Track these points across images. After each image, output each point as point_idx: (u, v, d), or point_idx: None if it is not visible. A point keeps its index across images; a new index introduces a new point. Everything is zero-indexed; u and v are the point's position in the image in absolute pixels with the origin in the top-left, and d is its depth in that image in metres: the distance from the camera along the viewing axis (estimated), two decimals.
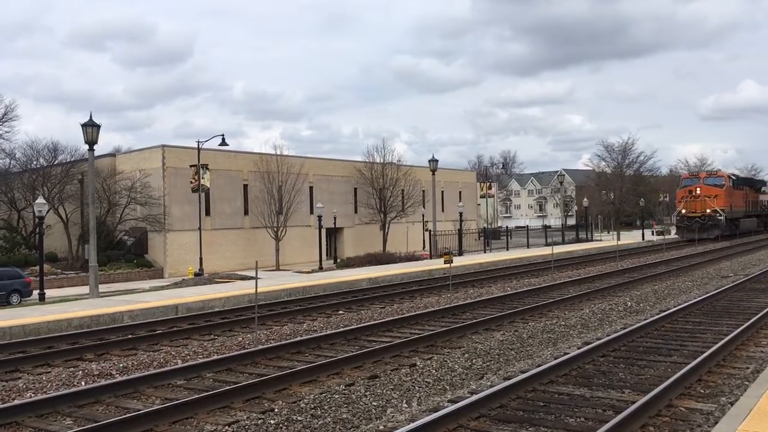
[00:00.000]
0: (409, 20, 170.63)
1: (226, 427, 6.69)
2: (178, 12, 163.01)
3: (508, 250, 40.76)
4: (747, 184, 54.04)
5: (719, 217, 43.50)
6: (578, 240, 52.19)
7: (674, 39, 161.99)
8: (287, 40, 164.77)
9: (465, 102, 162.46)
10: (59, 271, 40.54)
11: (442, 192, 62.52)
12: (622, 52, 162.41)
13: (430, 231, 38.62)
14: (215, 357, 9.82)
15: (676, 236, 46.47)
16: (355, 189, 56.25)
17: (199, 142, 40.71)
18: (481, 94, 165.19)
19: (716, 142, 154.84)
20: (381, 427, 6.65)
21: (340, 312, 14.17)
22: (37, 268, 32.42)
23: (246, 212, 48.46)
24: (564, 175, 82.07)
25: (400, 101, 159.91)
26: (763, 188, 58.17)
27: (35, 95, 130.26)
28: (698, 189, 44.69)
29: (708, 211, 43.53)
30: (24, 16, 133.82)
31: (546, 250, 30.59)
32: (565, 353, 9.69)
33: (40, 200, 31.52)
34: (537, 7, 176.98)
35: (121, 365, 9.55)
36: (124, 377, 8.69)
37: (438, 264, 24.92)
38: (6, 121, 46.21)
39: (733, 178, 49.05)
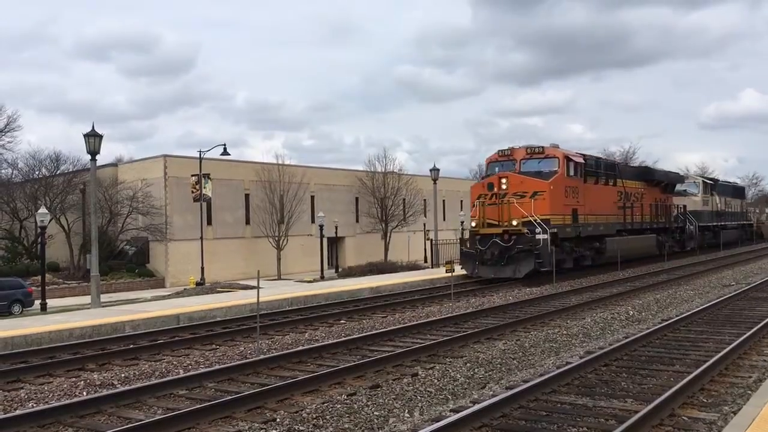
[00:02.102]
0: (410, 30, 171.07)
1: None
2: (182, 23, 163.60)
3: None
4: (645, 176, 31.50)
5: (539, 236, 21.41)
6: None
7: (675, 48, 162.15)
8: (289, 50, 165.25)
9: (466, 111, 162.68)
10: (61, 280, 40.58)
11: (444, 201, 62.59)
12: (623, 61, 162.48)
13: (431, 240, 38.60)
14: (217, 367, 9.80)
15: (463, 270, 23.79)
16: (357, 198, 56.34)
17: (201, 151, 40.83)
18: (483, 103, 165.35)
19: (717, 150, 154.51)
20: None
21: (342, 321, 14.15)
22: (39, 277, 32.47)
23: (248, 221, 48.52)
24: None
25: (401, 110, 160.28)
26: (688, 190, 38.24)
27: (39, 105, 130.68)
28: (503, 182, 22.51)
29: (515, 223, 21.80)
30: (29, 27, 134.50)
31: None
32: (568, 362, 9.68)
33: (42, 210, 31.61)
34: (538, 18, 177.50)
35: (123, 375, 9.54)
36: (126, 387, 8.68)
37: (439, 273, 24.90)
38: (8, 132, 46.38)
39: (593, 160, 26.43)
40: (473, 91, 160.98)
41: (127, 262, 44.99)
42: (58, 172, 46.02)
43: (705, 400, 7.76)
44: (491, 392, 8.30)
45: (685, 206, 36.09)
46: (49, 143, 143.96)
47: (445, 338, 11.83)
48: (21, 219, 43.59)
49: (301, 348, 11.17)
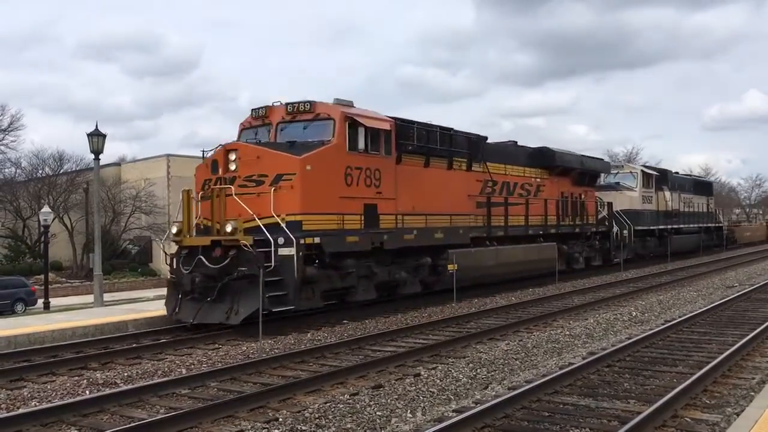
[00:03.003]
0: (413, 31, 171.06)
1: None
2: (186, 23, 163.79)
3: None
4: (542, 162, 22.52)
5: (282, 251, 12.71)
6: None
7: (678, 49, 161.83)
8: (292, 50, 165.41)
9: (470, 112, 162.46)
10: (64, 279, 40.66)
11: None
12: (626, 62, 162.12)
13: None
14: (220, 366, 9.82)
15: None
16: None
17: (203, 151, 40.86)
18: (486, 104, 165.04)
19: (721, 151, 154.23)
20: None
21: (345, 321, 14.16)
22: (42, 277, 32.53)
23: None
24: None
25: (405, 111, 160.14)
26: (621, 183, 30.17)
27: (43, 105, 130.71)
28: (232, 158, 13.71)
29: (230, 228, 12.70)
30: (33, 27, 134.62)
31: None
32: (570, 363, 9.67)
33: (46, 209, 31.66)
34: (541, 19, 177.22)
35: (126, 374, 9.55)
36: (129, 386, 8.69)
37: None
38: (11, 131, 46.45)
39: (419, 129, 16.49)
40: (476, 92, 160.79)
41: (130, 262, 45.06)
42: (62, 171, 46.10)
43: (708, 402, 7.74)
44: (494, 393, 8.29)
45: (610, 204, 26.93)
46: (52, 143, 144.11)
47: (448, 338, 11.84)
48: (24, 218, 43.66)
49: (303, 348, 11.18)
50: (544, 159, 22.66)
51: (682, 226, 34.91)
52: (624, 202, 28.81)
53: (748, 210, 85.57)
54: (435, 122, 17.61)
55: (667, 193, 33.30)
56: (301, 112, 14.40)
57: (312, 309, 14.30)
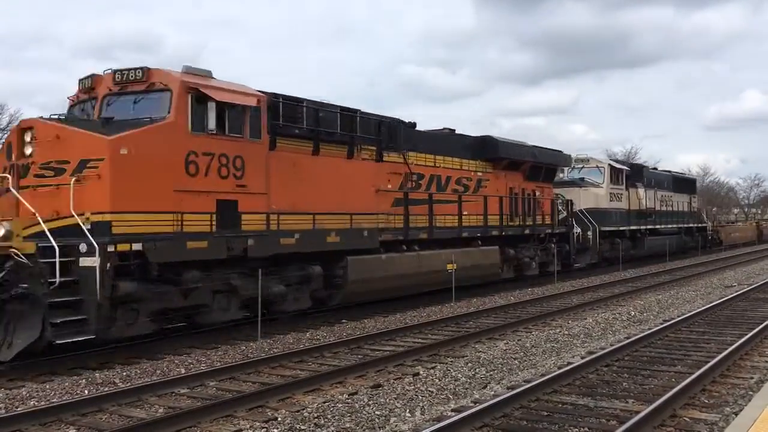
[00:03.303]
0: (414, 31, 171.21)
1: None
2: (186, 23, 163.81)
3: None
4: (483, 153, 19.50)
5: (85, 261, 9.68)
6: None
7: (677, 49, 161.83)
8: (293, 50, 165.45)
9: (469, 111, 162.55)
10: None
11: None
12: (626, 62, 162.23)
13: None
14: (218, 365, 9.81)
15: None
16: None
17: None
18: (486, 103, 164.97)
19: (719, 151, 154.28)
20: None
21: (343, 321, 14.16)
22: None
23: None
24: None
25: (405, 110, 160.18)
26: (586, 179, 27.14)
27: (43, 105, 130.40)
28: (27, 138, 10.53)
29: (3, 232, 9.60)
30: (34, 26, 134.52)
31: None
32: (569, 363, 9.67)
33: None
34: (541, 19, 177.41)
35: (125, 374, 9.54)
36: (127, 386, 8.68)
37: None
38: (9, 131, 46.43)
39: (304, 106, 13.37)
40: (476, 92, 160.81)
41: None
42: None
43: (706, 401, 7.76)
44: (492, 392, 8.30)
45: (570, 202, 24.29)
46: None
47: (447, 338, 11.85)
48: None
49: (302, 347, 11.18)
50: (487, 150, 19.43)
51: (658, 226, 31.81)
52: (588, 199, 25.93)
53: (746, 210, 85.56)
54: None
55: (641, 190, 30.23)
56: (133, 81, 11.33)
57: (311, 309, 14.22)
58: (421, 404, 7.76)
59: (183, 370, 9.67)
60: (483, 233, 18.77)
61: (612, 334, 12.50)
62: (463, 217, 17.98)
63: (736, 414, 6.85)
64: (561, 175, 25.44)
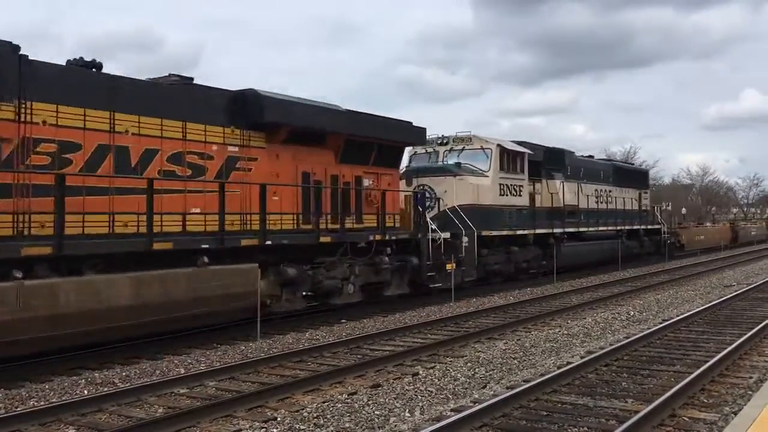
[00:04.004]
0: (412, 31, 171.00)
1: None
2: (186, 23, 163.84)
3: None
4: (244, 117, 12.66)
5: None
6: None
7: (677, 49, 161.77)
8: (292, 50, 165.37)
9: (468, 111, 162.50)
10: None
11: None
12: (624, 62, 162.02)
13: None
14: (218, 365, 9.82)
15: None
16: None
17: None
18: (485, 103, 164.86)
19: (718, 151, 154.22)
20: None
21: (343, 321, 14.16)
22: None
23: None
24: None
25: (404, 110, 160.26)
26: (464, 165, 19.73)
27: None
28: None
29: None
30: (34, 26, 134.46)
31: None
32: (568, 362, 9.68)
33: None
34: (540, 19, 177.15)
35: (124, 374, 9.54)
36: (127, 386, 8.68)
37: None
38: None
39: None
40: (475, 92, 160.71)
41: None
42: None
43: (706, 401, 7.76)
44: (492, 392, 8.31)
45: (426, 196, 18.04)
46: None
47: (446, 338, 11.85)
48: None
49: (301, 347, 11.18)
50: (251, 112, 12.79)
51: (585, 229, 25.14)
52: (465, 193, 18.84)
53: (746, 209, 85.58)
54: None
55: (559, 183, 23.83)
56: None
57: (310, 310, 14.30)
58: (420, 404, 7.77)
59: (182, 370, 9.68)
60: (220, 243, 11.62)
61: (611, 333, 12.51)
62: (189, 217, 11.60)
63: (735, 413, 6.86)
64: (431, 158, 20.20)
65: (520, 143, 22.09)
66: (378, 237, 15.27)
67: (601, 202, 27.30)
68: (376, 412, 7.39)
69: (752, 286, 19.74)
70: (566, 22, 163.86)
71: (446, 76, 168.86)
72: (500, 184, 20.23)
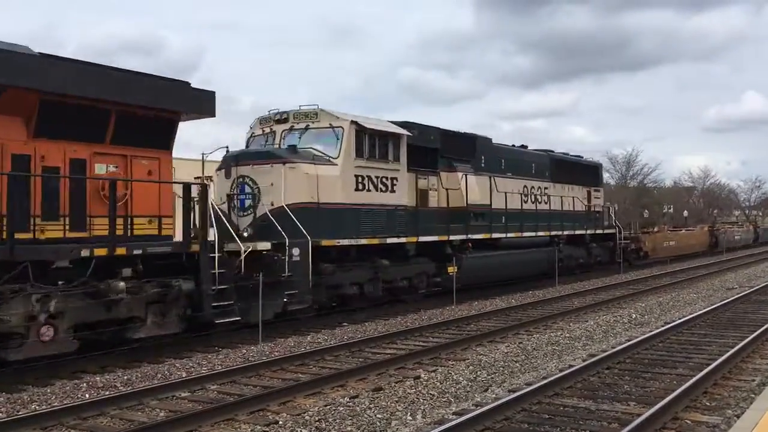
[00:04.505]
0: (413, 34, 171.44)
1: None
2: (187, 26, 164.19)
3: None
4: None
5: None
6: None
7: (678, 51, 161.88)
8: (293, 53, 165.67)
9: (470, 114, 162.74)
10: None
11: None
12: (625, 64, 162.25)
13: None
14: (219, 369, 9.81)
15: None
16: None
17: (204, 154, 40.79)
18: (486, 106, 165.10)
19: (720, 153, 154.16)
20: None
21: (344, 324, 14.15)
22: None
23: None
24: None
25: (405, 113, 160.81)
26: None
27: None
28: None
29: None
30: (35, 31, 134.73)
31: None
32: (570, 366, 9.67)
33: None
34: (541, 22, 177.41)
35: (125, 377, 9.54)
36: (128, 389, 8.68)
37: None
38: None
39: None
40: (476, 94, 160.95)
41: None
42: None
43: (708, 404, 7.75)
44: (494, 395, 8.29)
45: (243, 189, 14.11)
46: None
47: (448, 341, 11.84)
48: None
49: (303, 351, 11.17)
50: None
51: (501, 235, 19.50)
52: (298, 187, 13.77)
53: (747, 212, 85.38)
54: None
55: (461, 175, 18.26)
56: None
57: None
58: (422, 407, 7.75)
59: (184, 374, 9.67)
60: None
61: (613, 336, 12.50)
62: None
63: (738, 417, 6.84)
64: (268, 141, 15.40)
65: (402, 124, 16.51)
66: (101, 251, 9.96)
67: (531, 202, 21.94)
68: (377, 416, 7.38)
69: (754, 288, 19.72)
70: (567, 24, 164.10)
71: (447, 79, 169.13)
72: (357, 176, 14.73)
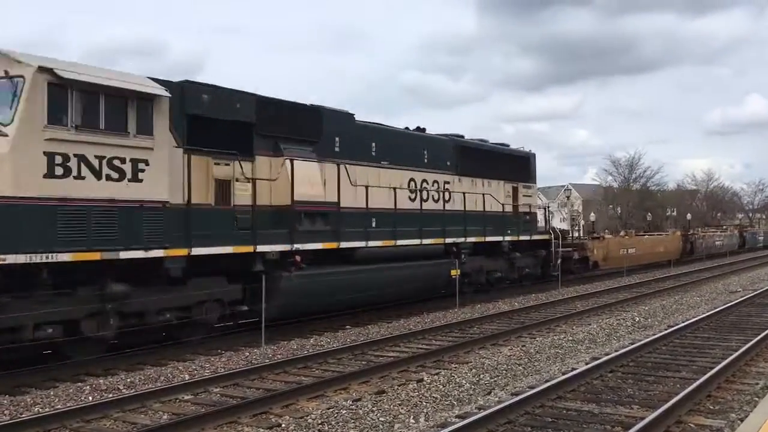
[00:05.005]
0: (416, 37, 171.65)
1: None
2: (190, 30, 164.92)
3: None
4: None
5: None
6: None
7: (680, 55, 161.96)
8: (296, 56, 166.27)
9: (473, 117, 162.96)
10: None
11: None
12: (628, 67, 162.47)
13: None
14: (222, 372, 9.81)
15: None
16: None
17: None
18: (489, 109, 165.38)
19: (723, 156, 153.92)
20: None
21: (347, 327, 14.15)
22: None
23: None
24: (570, 190, 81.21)
25: (408, 116, 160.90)
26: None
27: None
28: None
29: None
30: (37, 35, 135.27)
31: None
32: (573, 368, 9.65)
33: None
34: (543, 25, 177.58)
35: (129, 380, 9.55)
36: (132, 392, 8.69)
37: None
38: None
39: None
40: (479, 97, 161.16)
41: None
42: None
43: (712, 407, 7.73)
44: (497, 398, 8.28)
45: None
46: None
47: (451, 344, 11.83)
48: None
49: (306, 353, 11.17)
50: None
51: (356, 244, 14.48)
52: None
53: (751, 215, 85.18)
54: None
55: (287, 161, 13.07)
56: None
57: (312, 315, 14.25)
58: (425, 410, 7.75)
59: (187, 377, 9.68)
60: None
61: (616, 339, 12.47)
62: None
63: (742, 420, 6.82)
64: None
65: (182, 84, 11.83)
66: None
67: (420, 200, 16.88)
68: (380, 419, 7.37)
69: (758, 291, 19.67)
70: (570, 28, 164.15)
71: (450, 82, 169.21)
72: (52, 154, 9.47)
